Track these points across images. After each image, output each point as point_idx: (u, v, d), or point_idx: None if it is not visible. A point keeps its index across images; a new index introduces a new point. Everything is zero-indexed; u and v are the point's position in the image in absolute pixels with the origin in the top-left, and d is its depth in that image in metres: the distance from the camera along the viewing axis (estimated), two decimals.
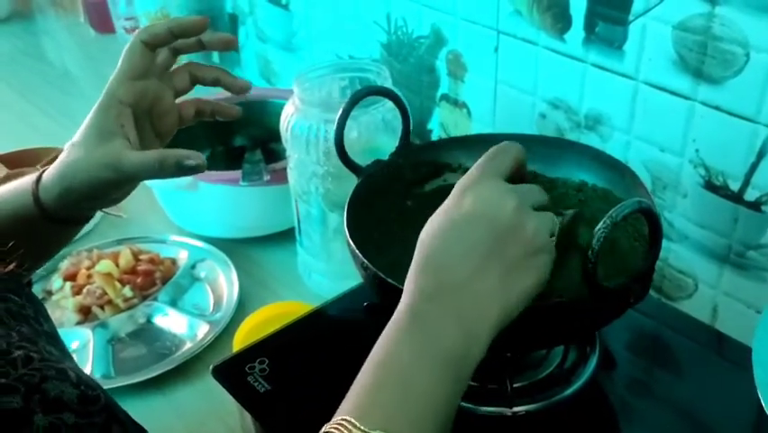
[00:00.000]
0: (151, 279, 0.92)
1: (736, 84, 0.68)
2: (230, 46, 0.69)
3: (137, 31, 0.65)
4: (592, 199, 0.66)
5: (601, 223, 0.48)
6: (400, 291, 0.54)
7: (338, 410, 0.44)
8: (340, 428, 0.41)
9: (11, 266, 0.44)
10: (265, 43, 1.33)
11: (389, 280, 0.56)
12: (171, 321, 0.88)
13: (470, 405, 0.62)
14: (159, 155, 0.61)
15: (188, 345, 0.85)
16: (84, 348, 0.84)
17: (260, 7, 1.29)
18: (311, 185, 0.84)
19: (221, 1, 1.38)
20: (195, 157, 0.61)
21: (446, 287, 0.46)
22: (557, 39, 0.81)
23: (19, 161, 1.13)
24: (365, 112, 0.80)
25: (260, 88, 1.33)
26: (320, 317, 0.75)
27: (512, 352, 0.62)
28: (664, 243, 0.54)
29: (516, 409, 0.61)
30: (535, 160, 0.63)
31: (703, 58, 0.69)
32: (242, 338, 0.80)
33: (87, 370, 0.81)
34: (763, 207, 0.70)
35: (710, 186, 0.73)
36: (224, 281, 0.94)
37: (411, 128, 0.71)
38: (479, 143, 0.73)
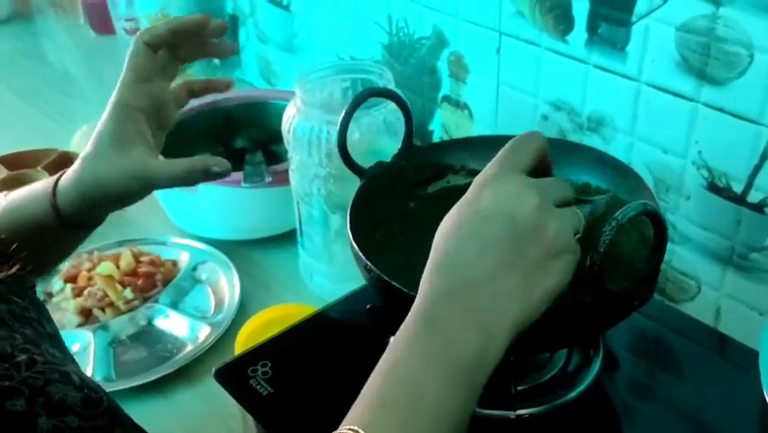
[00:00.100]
0: (152, 281, 0.92)
1: (739, 85, 0.68)
2: (230, 53, 0.70)
3: (138, 33, 0.65)
4: None
5: (606, 225, 0.48)
6: (404, 294, 0.54)
7: (346, 418, 0.42)
8: None
9: (14, 268, 0.44)
10: (266, 44, 1.33)
11: (393, 283, 0.55)
12: (172, 323, 0.88)
13: None
14: (186, 165, 0.63)
15: (190, 347, 0.85)
16: (85, 351, 0.84)
17: (261, 8, 1.29)
18: (313, 187, 0.84)
19: (221, 2, 1.37)
20: (220, 164, 0.64)
21: (461, 285, 0.44)
22: (559, 40, 0.81)
23: (19, 163, 1.13)
24: (367, 113, 0.80)
25: (260, 90, 1.34)
26: (322, 319, 0.75)
27: (516, 355, 0.62)
28: (667, 245, 0.54)
29: (519, 412, 0.61)
30: None
31: (706, 59, 0.69)
32: (243, 341, 0.80)
33: (88, 372, 0.81)
34: (767, 209, 0.70)
35: (713, 188, 0.73)
36: (226, 283, 0.93)
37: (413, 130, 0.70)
38: (482, 145, 0.73)
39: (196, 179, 0.63)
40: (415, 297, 0.50)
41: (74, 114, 1.36)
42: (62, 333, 0.51)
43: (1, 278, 0.43)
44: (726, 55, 0.67)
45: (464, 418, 0.43)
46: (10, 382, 0.36)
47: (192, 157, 0.65)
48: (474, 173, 0.72)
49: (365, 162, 0.69)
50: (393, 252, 0.67)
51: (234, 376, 0.68)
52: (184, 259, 0.97)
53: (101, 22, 1.66)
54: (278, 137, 0.88)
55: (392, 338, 0.45)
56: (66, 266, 0.93)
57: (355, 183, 0.68)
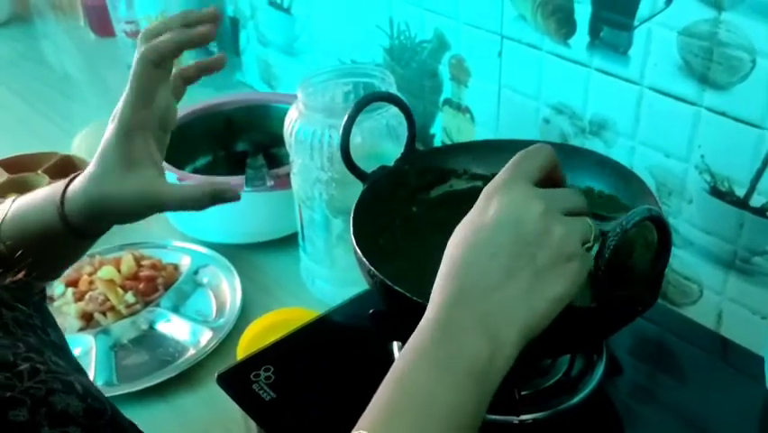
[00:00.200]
0: (154, 285, 0.92)
1: (741, 90, 0.68)
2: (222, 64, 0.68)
3: (142, 47, 0.61)
4: (598, 206, 0.66)
5: (611, 231, 0.48)
6: (407, 299, 0.54)
7: (357, 424, 0.43)
8: None
9: (19, 275, 0.44)
10: (266, 47, 1.33)
11: (397, 288, 0.55)
12: (174, 327, 0.88)
13: None
14: (195, 191, 0.63)
15: (191, 351, 0.85)
16: (86, 355, 0.84)
17: (262, 11, 1.29)
18: (315, 190, 0.84)
19: (222, 4, 1.37)
20: (225, 189, 0.64)
21: (470, 293, 0.45)
22: (561, 44, 0.81)
23: (20, 166, 1.13)
24: (369, 117, 0.79)
25: (261, 93, 1.34)
26: (325, 324, 0.75)
27: (519, 360, 0.62)
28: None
29: (523, 417, 0.61)
30: None
31: (709, 63, 0.69)
32: (245, 345, 0.80)
33: (90, 377, 0.81)
34: None
35: (716, 192, 0.73)
36: (227, 287, 0.93)
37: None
38: (484, 149, 0.73)
39: (204, 204, 0.63)
40: (418, 302, 0.50)
41: (74, 116, 1.36)
42: None
43: (6, 284, 0.43)
44: (728, 59, 0.67)
45: (475, 424, 0.43)
46: (12, 392, 0.36)
47: (200, 183, 0.65)
48: (477, 177, 0.73)
49: (367, 166, 0.69)
50: (396, 256, 0.67)
51: (237, 381, 0.68)
52: (185, 263, 0.97)
53: (101, 24, 1.66)
54: (279, 140, 0.88)
55: (402, 346, 0.46)
56: (67, 270, 0.93)
57: (356, 187, 0.68)
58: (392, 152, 0.73)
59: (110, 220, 0.64)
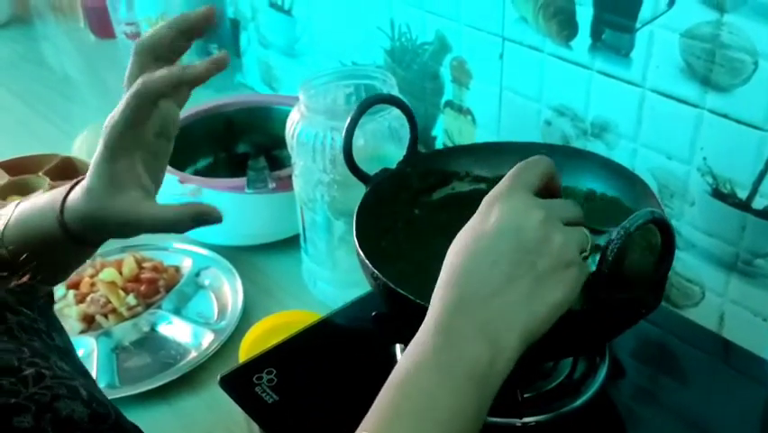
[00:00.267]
0: (155, 287, 0.92)
1: (744, 92, 0.68)
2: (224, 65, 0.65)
3: (142, 81, 0.58)
4: (601, 209, 0.66)
5: (615, 234, 0.48)
6: (410, 301, 0.54)
7: (359, 428, 0.43)
8: None
9: (24, 279, 0.44)
10: (267, 49, 1.33)
11: (399, 291, 0.55)
12: (175, 330, 0.88)
13: None
14: (176, 213, 0.61)
15: (193, 353, 0.85)
16: (88, 357, 0.84)
17: (263, 13, 1.29)
18: (316, 192, 0.84)
19: (222, 5, 1.37)
20: (210, 211, 0.62)
21: (470, 299, 0.46)
22: (563, 46, 0.81)
23: (20, 168, 1.13)
24: (371, 119, 0.79)
25: (262, 95, 1.34)
26: (328, 326, 0.75)
27: (522, 363, 0.62)
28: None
29: (525, 419, 0.61)
30: None
31: (711, 65, 0.69)
32: (247, 347, 0.80)
33: None
34: None
35: (718, 194, 0.73)
36: (229, 289, 0.93)
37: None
38: (486, 151, 0.73)
39: (185, 226, 0.61)
40: (421, 305, 0.50)
41: (75, 118, 1.36)
42: None
43: (10, 288, 0.43)
44: (730, 62, 0.67)
45: (476, 427, 0.44)
46: (17, 398, 0.36)
47: (183, 204, 0.62)
48: (479, 179, 0.73)
49: (369, 168, 0.69)
50: (398, 259, 0.67)
51: (240, 384, 0.68)
52: (187, 265, 0.97)
53: (101, 26, 1.65)
54: (280, 142, 0.88)
55: (405, 349, 0.46)
56: None
57: (358, 189, 0.68)
58: (394, 153, 0.73)
59: (108, 231, 0.63)
